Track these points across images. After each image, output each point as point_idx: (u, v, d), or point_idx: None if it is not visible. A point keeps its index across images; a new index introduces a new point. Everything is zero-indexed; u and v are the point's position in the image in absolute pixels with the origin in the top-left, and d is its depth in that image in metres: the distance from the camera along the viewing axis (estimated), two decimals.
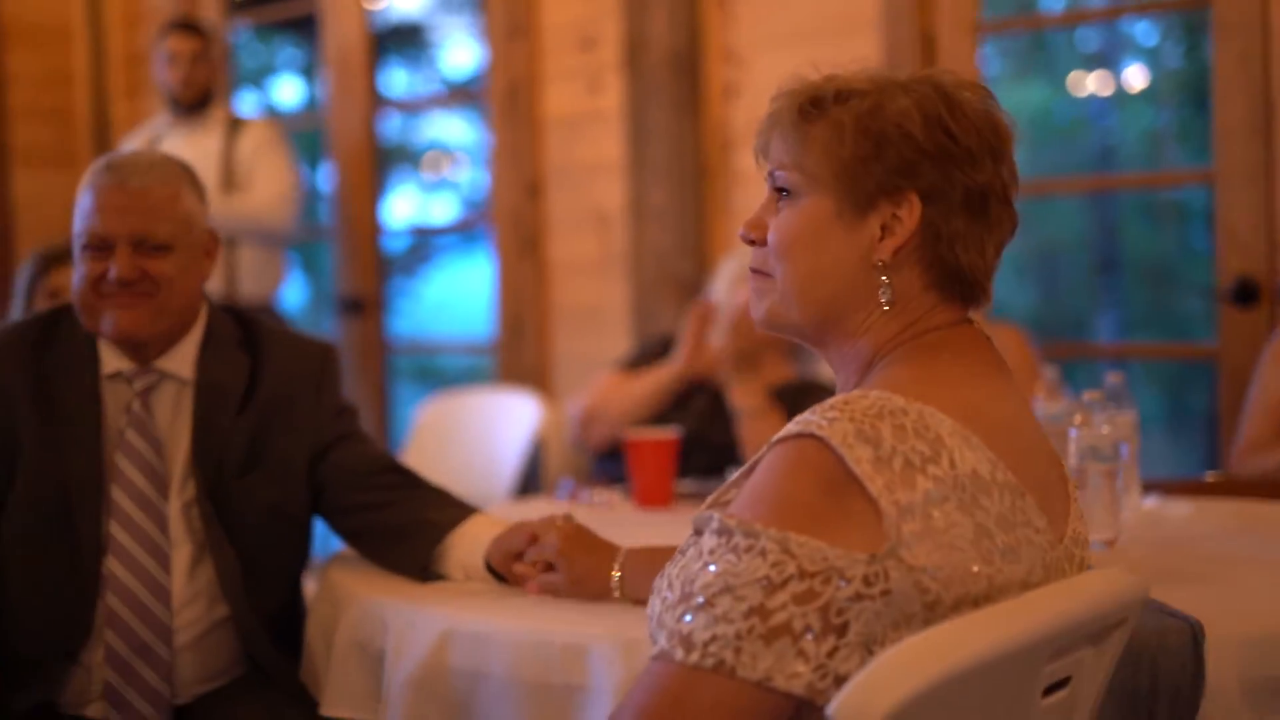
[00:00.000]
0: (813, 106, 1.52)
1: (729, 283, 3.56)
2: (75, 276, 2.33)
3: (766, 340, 3.21)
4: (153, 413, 2.36)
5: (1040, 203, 6.10)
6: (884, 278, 1.51)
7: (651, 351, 3.63)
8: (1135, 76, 6.80)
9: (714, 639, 1.35)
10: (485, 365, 5.52)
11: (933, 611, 1.37)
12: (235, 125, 5.06)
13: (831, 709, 1.26)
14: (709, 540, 1.41)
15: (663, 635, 1.40)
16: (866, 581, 1.35)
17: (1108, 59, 6.66)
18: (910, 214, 1.49)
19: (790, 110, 1.54)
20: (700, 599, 1.37)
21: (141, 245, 2.30)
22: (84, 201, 2.32)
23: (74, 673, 2.29)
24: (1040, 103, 7.00)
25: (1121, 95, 6.70)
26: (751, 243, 1.59)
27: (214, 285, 4.59)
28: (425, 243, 8.08)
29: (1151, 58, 6.63)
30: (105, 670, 2.26)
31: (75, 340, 2.37)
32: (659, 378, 3.44)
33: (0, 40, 6.21)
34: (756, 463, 1.47)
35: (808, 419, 1.41)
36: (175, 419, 2.38)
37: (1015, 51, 6.49)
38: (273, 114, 7.66)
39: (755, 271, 1.59)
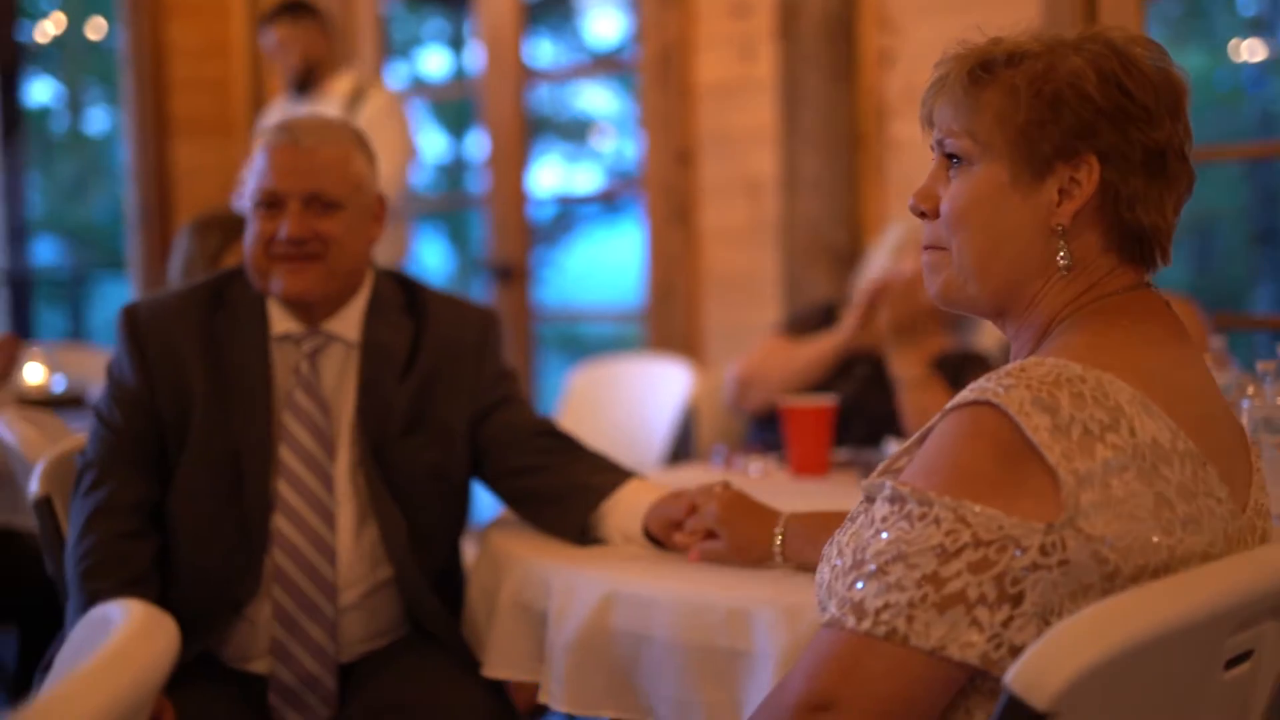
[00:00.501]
0: (983, 70, 1.50)
1: (892, 251, 3.54)
2: (247, 237, 2.38)
3: (928, 310, 3.18)
4: (320, 374, 2.40)
5: (1198, 171, 5.98)
6: (1062, 242, 1.48)
7: (814, 317, 3.62)
8: None
9: (886, 606, 1.34)
10: (630, 333, 5.54)
11: (1111, 582, 1.35)
12: (356, 96, 5.08)
13: (1008, 678, 1.24)
14: (881, 508, 1.40)
15: (833, 603, 1.39)
16: (1043, 551, 1.33)
17: (1269, 24, 6.49)
18: (1089, 176, 1.47)
19: (959, 75, 1.51)
20: (872, 566, 1.36)
21: (312, 203, 2.34)
22: (258, 161, 2.38)
23: (240, 627, 2.35)
24: (1199, 70, 6.85)
25: None
26: (923, 215, 1.56)
27: None
28: (569, 212, 8.12)
29: None
30: (272, 626, 2.31)
31: (245, 303, 2.42)
32: (821, 346, 3.43)
33: (160, 13, 6.35)
34: (928, 431, 1.46)
35: (984, 386, 1.40)
36: (341, 381, 2.42)
37: (1173, 18, 6.35)
38: (419, 84, 7.75)
39: (928, 247, 1.56)
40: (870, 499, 1.44)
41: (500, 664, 2.16)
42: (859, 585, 1.37)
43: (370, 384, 2.40)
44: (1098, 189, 1.47)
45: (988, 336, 3.49)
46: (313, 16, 5.15)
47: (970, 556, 1.33)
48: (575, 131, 8.06)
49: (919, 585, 1.34)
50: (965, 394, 1.42)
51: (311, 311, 2.40)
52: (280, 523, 2.33)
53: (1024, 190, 1.48)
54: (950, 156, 1.53)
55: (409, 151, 5.05)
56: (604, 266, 7.66)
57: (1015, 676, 1.24)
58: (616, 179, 7.69)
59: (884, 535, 1.38)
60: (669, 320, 5.00)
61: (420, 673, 2.34)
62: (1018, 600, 1.34)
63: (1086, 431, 1.36)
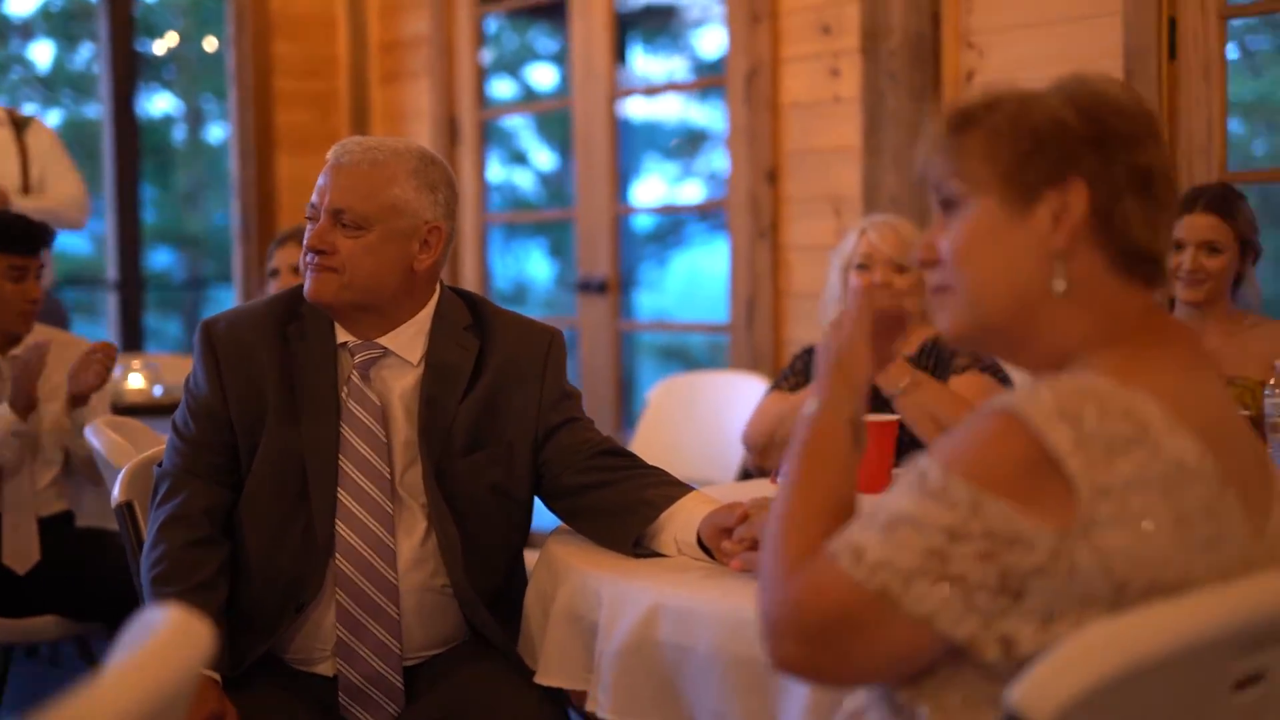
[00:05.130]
0: (964, 119, 1.55)
1: (838, 272, 3.63)
2: None
3: (897, 319, 3.25)
4: (373, 385, 2.48)
5: None
6: (1059, 266, 1.52)
7: (801, 366, 3.67)
8: None
9: (884, 564, 1.40)
10: (726, 347, 5.58)
11: (1121, 594, 1.38)
12: (19, 121, 5.09)
13: (1013, 695, 1.28)
14: (907, 476, 1.45)
15: (840, 543, 1.45)
16: (1052, 556, 1.37)
17: None
18: (1078, 198, 1.51)
19: (945, 128, 1.57)
20: (882, 519, 1.42)
21: (337, 219, 2.43)
22: None
23: (304, 630, 2.44)
24: None
25: None
26: (928, 264, 1.61)
27: None
28: (673, 224, 8.18)
29: None
30: (337, 627, 2.40)
31: (316, 314, 2.51)
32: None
33: (266, 30, 6.51)
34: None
35: (1014, 396, 1.44)
36: (404, 395, 2.49)
37: (1277, 31, 6.27)
38: (532, 97, 7.84)
39: (935, 291, 1.61)
40: (906, 473, 1.49)
41: (553, 672, 2.23)
42: (864, 531, 1.43)
43: (432, 401, 2.48)
44: (1089, 211, 1.51)
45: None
46: None
47: (979, 545, 1.38)
48: (680, 146, 8.11)
49: (923, 556, 1.39)
50: (994, 402, 1.45)
51: (359, 324, 2.48)
52: (342, 529, 2.41)
53: (1018, 219, 1.53)
54: (946, 204, 1.58)
55: (81, 180, 5.16)
56: (705, 278, 7.69)
57: (1016, 693, 1.28)
58: (717, 193, 7.73)
59: (901, 498, 1.43)
60: (752, 336, 5.04)
61: (480, 678, 2.41)
62: (1018, 596, 1.38)
63: (1109, 446, 1.39)
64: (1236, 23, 4.28)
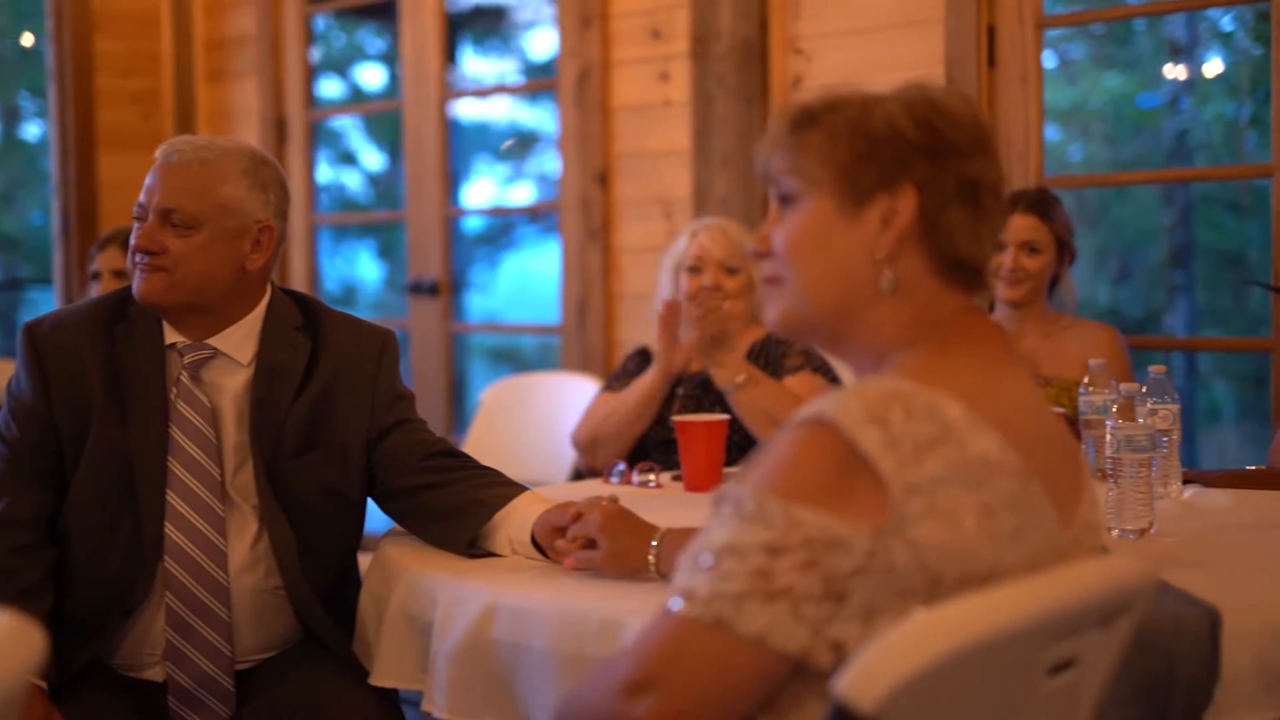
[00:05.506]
0: (806, 118, 1.60)
1: (670, 274, 3.69)
2: None
3: (728, 315, 3.34)
4: (204, 387, 2.46)
5: (1118, 191, 6.10)
6: (886, 267, 1.58)
7: (632, 365, 3.73)
8: (1215, 65, 6.75)
9: (716, 595, 1.42)
10: (557, 349, 5.60)
11: (936, 587, 1.43)
12: None
13: (836, 685, 1.32)
14: (724, 508, 1.48)
15: (671, 592, 1.47)
16: (870, 554, 1.41)
17: (1189, 47, 6.62)
18: (907, 204, 1.56)
19: (785, 125, 1.61)
20: (708, 558, 1.45)
21: (166, 218, 2.41)
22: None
23: (132, 635, 2.41)
24: (1120, 90, 6.97)
25: (1202, 84, 6.66)
26: (761, 255, 1.65)
27: None
28: (503, 226, 8.17)
29: (1231, 45, 6.58)
30: (166, 630, 2.38)
31: (144, 315, 2.48)
32: (643, 384, 3.54)
33: (87, 26, 6.37)
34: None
35: (821, 404, 1.48)
36: (233, 397, 2.48)
37: (1096, 39, 6.47)
38: (360, 97, 7.79)
39: (767, 281, 1.66)
40: (719, 504, 1.52)
41: (387, 673, 2.23)
42: (694, 575, 1.45)
43: (263, 402, 2.46)
44: (917, 217, 1.56)
45: None
46: None
47: (800, 555, 1.41)
48: (510, 147, 8.10)
49: (749, 578, 1.42)
50: (805, 411, 1.50)
51: (189, 324, 2.47)
52: (171, 531, 2.39)
53: (849, 219, 1.58)
54: (783, 199, 1.62)
55: None
56: (537, 280, 7.71)
57: (842, 682, 1.32)
58: (549, 195, 7.75)
59: (722, 532, 1.46)
60: (584, 338, 5.07)
61: (314, 680, 2.41)
62: (842, 599, 1.42)
63: (917, 445, 1.44)
64: (1053, 32, 4.42)
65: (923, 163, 1.56)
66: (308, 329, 2.54)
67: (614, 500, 2.24)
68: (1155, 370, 2.66)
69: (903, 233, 1.57)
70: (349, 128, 7.74)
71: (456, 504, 2.38)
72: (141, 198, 2.44)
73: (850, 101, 1.59)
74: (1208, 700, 1.79)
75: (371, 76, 8.45)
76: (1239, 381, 6.89)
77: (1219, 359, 6.71)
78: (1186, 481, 2.73)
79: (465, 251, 6.90)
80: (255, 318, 2.51)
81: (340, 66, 8.14)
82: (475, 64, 7.50)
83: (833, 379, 3.54)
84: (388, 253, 8.22)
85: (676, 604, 1.45)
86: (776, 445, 1.50)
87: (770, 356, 3.58)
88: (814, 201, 1.60)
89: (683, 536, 2.09)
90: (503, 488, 2.40)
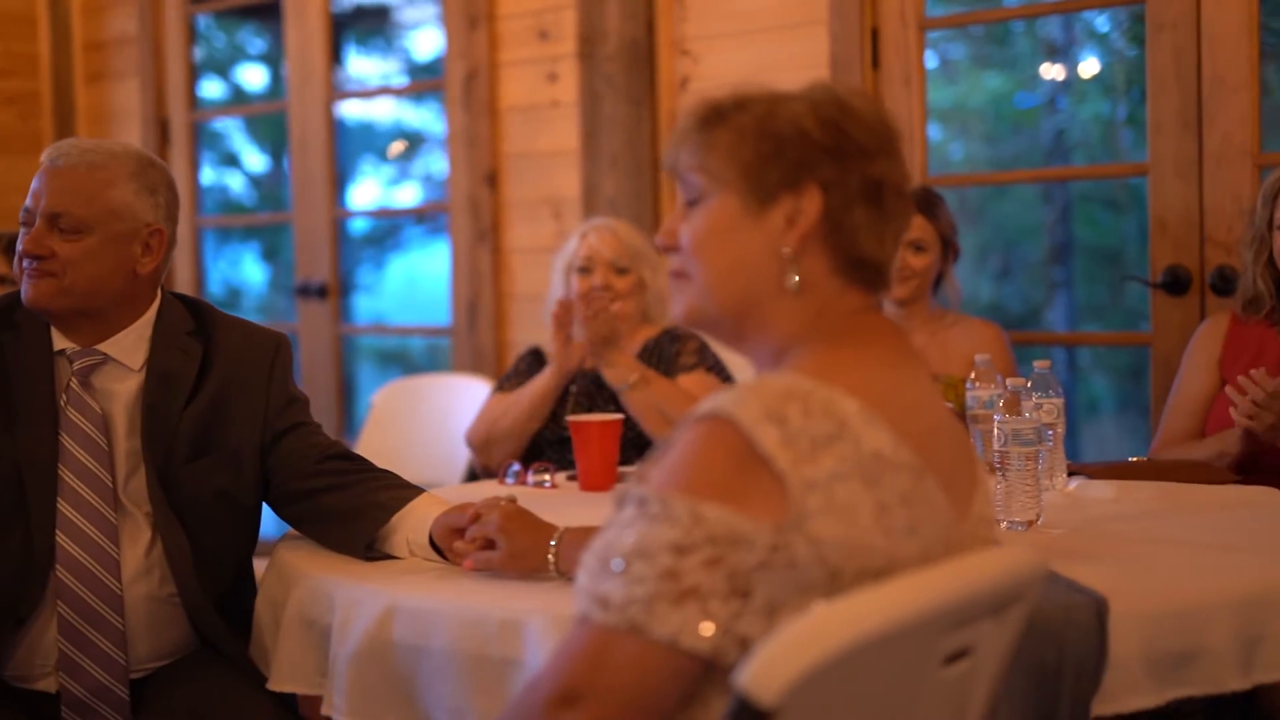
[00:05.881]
0: (715, 115, 1.62)
1: (562, 274, 3.74)
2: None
3: (619, 315, 3.38)
4: (95, 393, 2.44)
5: (998, 189, 6.20)
6: (791, 266, 1.60)
7: (524, 365, 3.75)
8: (1091, 65, 6.88)
9: (630, 601, 1.44)
10: (447, 350, 5.59)
11: (835, 581, 1.46)
12: None
13: (738, 678, 1.34)
14: (628, 510, 1.50)
15: (584, 599, 1.49)
16: (772, 550, 1.44)
17: (1066, 48, 6.74)
18: (812, 203, 1.59)
19: (694, 122, 1.63)
20: (618, 563, 1.46)
21: (54, 223, 2.39)
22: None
23: (23, 645, 2.38)
24: (1000, 90, 7.08)
25: (1079, 84, 6.78)
26: (667, 249, 1.67)
27: None
28: (389, 227, 8.13)
29: (1106, 46, 6.71)
30: (59, 640, 2.35)
31: (31, 322, 2.45)
32: (538, 384, 3.56)
33: None
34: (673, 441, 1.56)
35: (720, 399, 1.50)
36: (125, 403, 2.45)
37: (975, 40, 6.57)
38: (238, 97, 7.71)
39: (674, 275, 1.68)
40: (621, 505, 1.54)
41: (285, 677, 2.22)
42: (605, 582, 1.46)
43: (154, 408, 2.44)
44: (821, 217, 1.59)
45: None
46: None
47: (705, 553, 1.43)
48: (394, 148, 8.05)
49: (659, 579, 1.43)
50: (704, 406, 1.52)
51: (79, 330, 2.44)
52: (62, 539, 2.36)
53: (754, 217, 1.60)
54: (689, 194, 1.65)
55: None
56: (425, 282, 7.67)
57: (744, 676, 1.34)
58: (436, 196, 7.72)
59: (628, 535, 1.47)
60: (474, 339, 5.07)
61: (210, 686, 2.38)
62: (747, 595, 1.44)
63: (814, 442, 1.47)
64: (934, 33, 4.49)
65: (828, 163, 1.59)
66: (199, 334, 2.52)
67: (512, 501, 2.25)
68: (1040, 365, 2.72)
69: (807, 232, 1.59)
70: (231, 129, 7.66)
71: (353, 507, 2.38)
72: (28, 202, 2.41)
73: (758, 100, 1.61)
74: (1096, 686, 1.84)
75: (253, 77, 8.37)
76: (1118, 375, 7.04)
77: (1098, 353, 6.84)
78: (1071, 474, 2.79)
79: (351, 253, 6.85)
80: (146, 322, 2.49)
81: (221, 67, 8.05)
82: (359, 64, 7.46)
83: (726, 378, 3.57)
84: (272, 255, 8.14)
85: (592, 613, 1.46)
86: (677, 443, 1.52)
87: (664, 355, 3.61)
88: (720, 199, 1.62)
89: (581, 535, 2.10)
90: (400, 490, 2.40)
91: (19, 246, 2.41)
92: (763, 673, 1.34)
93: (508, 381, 3.73)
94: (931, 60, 4.48)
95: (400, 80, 7.30)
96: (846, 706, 1.41)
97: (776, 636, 1.36)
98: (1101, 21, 6.27)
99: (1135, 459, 3.05)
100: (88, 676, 2.35)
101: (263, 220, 7.57)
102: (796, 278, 1.60)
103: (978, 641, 1.57)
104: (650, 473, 1.55)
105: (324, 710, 2.12)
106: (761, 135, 1.59)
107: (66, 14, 6.44)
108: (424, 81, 6.86)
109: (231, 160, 7.95)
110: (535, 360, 3.73)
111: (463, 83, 5.05)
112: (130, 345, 2.46)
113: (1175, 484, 2.79)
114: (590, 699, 1.43)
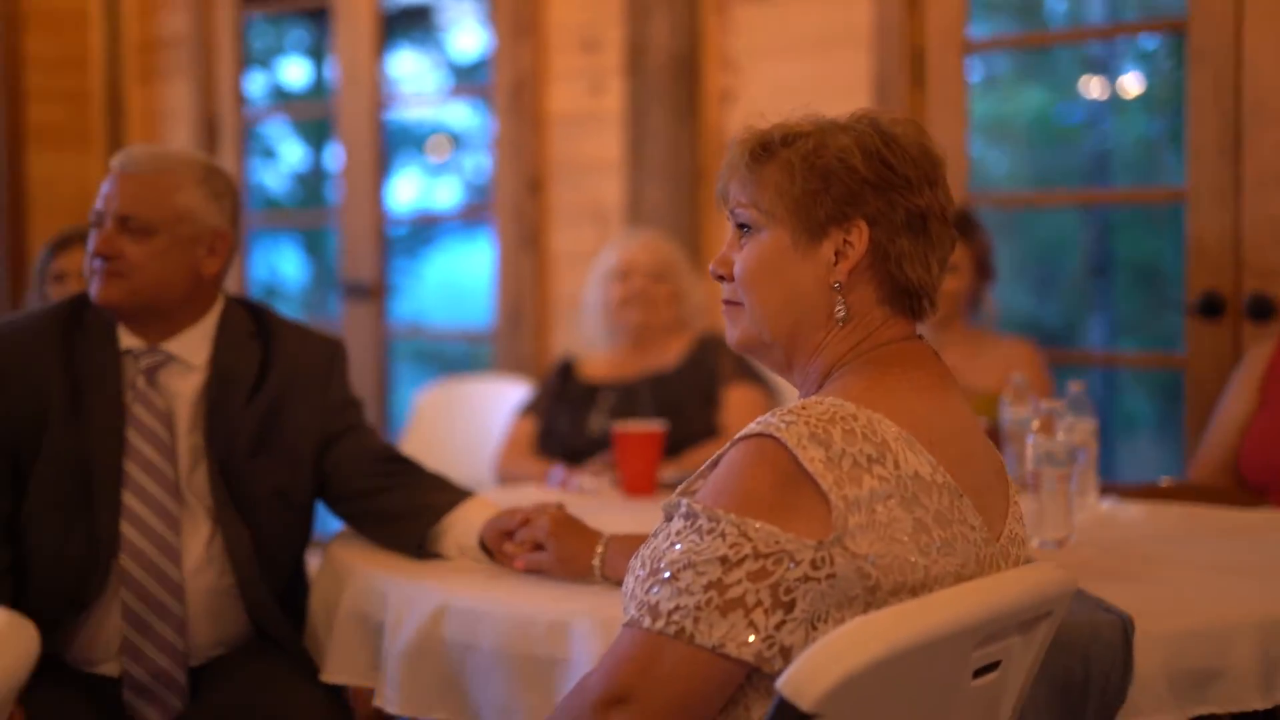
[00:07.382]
0: (763, 150, 1.69)
1: (598, 283, 3.87)
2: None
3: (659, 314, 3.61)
4: (159, 390, 2.53)
5: (1035, 207, 6.24)
6: (840, 297, 1.67)
7: (553, 388, 3.79)
8: (1133, 83, 6.89)
9: (677, 609, 1.52)
10: (486, 350, 5.65)
11: (873, 595, 1.54)
12: None
13: (779, 683, 1.42)
14: (676, 523, 1.58)
15: (633, 605, 1.57)
16: (814, 565, 1.52)
17: (1108, 65, 6.75)
18: (859, 238, 1.66)
19: (742, 156, 1.71)
20: (666, 573, 1.54)
21: (124, 225, 2.49)
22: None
23: (87, 630, 2.48)
24: (1041, 107, 7.09)
25: (1120, 101, 6.79)
26: (721, 278, 1.75)
27: None
28: (429, 226, 8.20)
29: (1150, 64, 6.72)
30: (122, 626, 2.44)
31: (100, 321, 2.54)
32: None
33: (16, 24, 6.36)
34: (720, 457, 1.64)
35: (768, 420, 1.58)
36: (188, 399, 2.55)
37: (1018, 53, 6.60)
38: (280, 95, 7.80)
39: (727, 303, 1.76)
40: (669, 517, 1.61)
41: (338, 670, 2.30)
42: (654, 590, 1.54)
43: (216, 406, 2.54)
44: (869, 249, 1.66)
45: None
46: None
47: (750, 566, 1.51)
48: (435, 146, 8.11)
49: (705, 590, 1.51)
50: (752, 426, 1.59)
51: (146, 329, 2.54)
52: (127, 529, 2.45)
53: (804, 251, 1.68)
54: (741, 226, 1.72)
55: None
56: (462, 282, 7.70)
57: (785, 681, 1.42)
58: (475, 196, 7.77)
59: (677, 547, 1.55)
60: (517, 342, 5.15)
61: (264, 676, 2.47)
62: (790, 607, 1.52)
63: (856, 463, 1.55)
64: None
65: (874, 197, 1.65)
66: (259, 335, 2.61)
67: (561, 507, 2.33)
68: (1075, 387, 2.77)
69: (855, 265, 1.67)
70: (275, 127, 7.75)
71: (406, 508, 2.47)
72: (98, 204, 2.51)
73: (805, 134, 1.68)
74: (1121, 701, 1.90)
75: (295, 73, 8.43)
76: (1155, 393, 7.04)
77: (1135, 371, 6.86)
78: (1104, 494, 2.85)
79: (391, 251, 6.94)
80: (209, 323, 2.58)
81: (264, 60, 8.13)
82: (401, 62, 7.52)
83: (764, 384, 3.65)
84: (314, 249, 8.22)
85: (641, 619, 1.53)
86: (726, 460, 1.59)
87: (706, 365, 3.68)
88: (771, 234, 1.69)
89: (626, 543, 2.18)
90: (451, 492, 2.49)
91: (89, 247, 2.50)
92: (803, 679, 1.41)
93: (534, 406, 3.78)
94: (975, 72, 4.53)
95: (441, 77, 7.37)
96: (881, 714, 1.48)
97: (817, 646, 1.44)
98: (1145, 37, 6.28)
99: (1166, 480, 3.09)
100: (149, 662, 2.44)
101: (308, 219, 7.65)
102: (844, 308, 1.67)
103: (1007, 655, 1.64)
104: (698, 487, 1.62)
105: (375, 702, 2.20)
106: (810, 171, 1.66)
107: (119, 13, 6.54)
108: (470, 85, 6.93)
109: (268, 154, 8.03)
110: (563, 377, 3.79)
111: (510, 91, 5.12)
112: (194, 344, 2.56)
113: (1203, 507, 2.84)
114: (638, 701, 1.51)
